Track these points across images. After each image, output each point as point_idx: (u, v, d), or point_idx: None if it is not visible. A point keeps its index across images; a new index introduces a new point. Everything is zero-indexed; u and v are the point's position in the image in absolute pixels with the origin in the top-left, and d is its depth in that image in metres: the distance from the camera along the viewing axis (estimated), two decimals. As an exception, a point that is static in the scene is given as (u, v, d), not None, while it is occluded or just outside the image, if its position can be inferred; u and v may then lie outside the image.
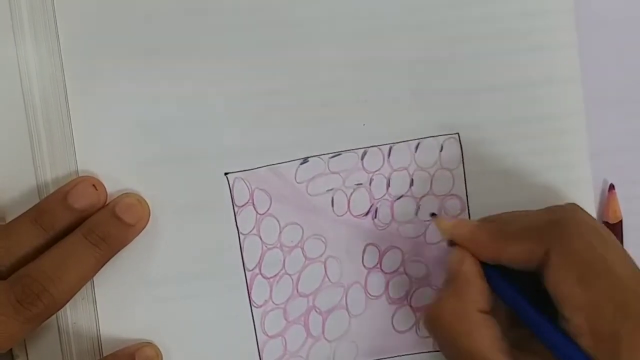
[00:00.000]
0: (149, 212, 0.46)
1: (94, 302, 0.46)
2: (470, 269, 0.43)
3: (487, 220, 0.44)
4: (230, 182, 0.47)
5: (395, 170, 0.48)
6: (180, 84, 0.46)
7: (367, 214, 0.48)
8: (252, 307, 0.48)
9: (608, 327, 0.39)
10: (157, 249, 0.47)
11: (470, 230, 0.44)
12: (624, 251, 0.42)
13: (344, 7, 0.47)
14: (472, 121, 0.48)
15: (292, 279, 0.48)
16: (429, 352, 0.49)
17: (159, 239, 0.47)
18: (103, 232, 0.44)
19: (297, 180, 0.48)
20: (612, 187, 0.50)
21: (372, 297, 0.48)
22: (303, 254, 0.48)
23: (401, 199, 0.48)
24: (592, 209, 0.48)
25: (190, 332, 0.47)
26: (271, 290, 0.48)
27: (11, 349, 0.46)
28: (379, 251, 0.48)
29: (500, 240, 0.42)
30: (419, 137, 0.48)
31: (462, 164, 0.48)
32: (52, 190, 0.45)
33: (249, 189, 0.47)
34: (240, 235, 0.47)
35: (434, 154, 0.48)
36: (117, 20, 0.46)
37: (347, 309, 0.48)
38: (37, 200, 0.45)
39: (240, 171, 0.47)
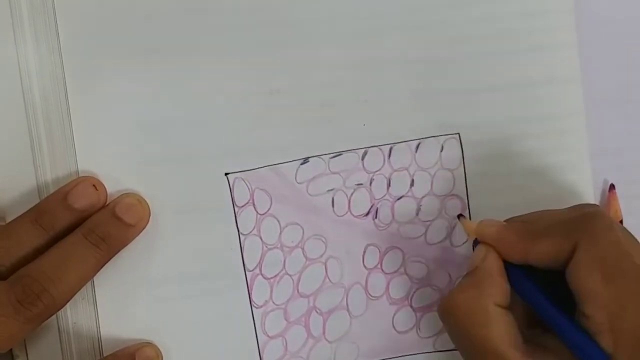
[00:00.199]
0: (149, 212, 0.46)
1: (94, 302, 0.46)
2: (492, 265, 0.43)
3: (513, 221, 0.44)
4: (231, 182, 0.47)
5: (395, 171, 0.48)
6: (181, 83, 0.46)
7: (367, 214, 0.48)
8: (253, 308, 0.48)
9: (630, 325, 0.39)
10: (158, 249, 0.47)
11: (497, 231, 0.43)
12: None
13: (344, 7, 0.47)
14: (473, 121, 0.48)
15: (292, 280, 0.48)
16: (430, 352, 0.49)
17: (159, 239, 0.47)
18: (103, 232, 0.44)
19: (298, 181, 0.48)
20: (612, 187, 0.50)
21: (373, 298, 0.48)
22: (303, 254, 0.48)
23: (402, 199, 0.48)
24: (592, 209, 0.48)
25: (191, 332, 0.47)
26: (272, 291, 0.48)
27: (11, 349, 0.46)
28: (380, 251, 0.48)
29: (527, 240, 0.42)
30: (420, 137, 0.48)
31: (462, 164, 0.48)
32: (52, 191, 0.45)
33: (249, 189, 0.47)
34: (241, 235, 0.47)
35: (434, 154, 0.48)
36: (117, 20, 0.46)
37: (347, 310, 0.48)
38: (37, 201, 0.45)
39: (241, 171, 0.47)
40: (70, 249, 0.44)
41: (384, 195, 0.48)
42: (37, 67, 0.45)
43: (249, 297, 0.47)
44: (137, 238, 0.46)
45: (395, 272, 0.48)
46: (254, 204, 0.47)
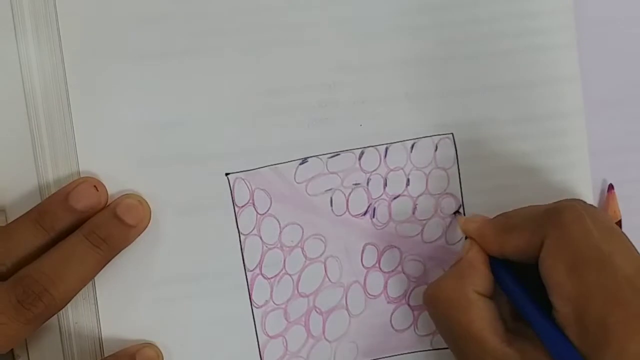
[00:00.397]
0: (150, 213, 0.46)
1: (95, 302, 0.46)
2: (476, 256, 0.44)
3: (499, 215, 0.45)
4: (231, 183, 0.47)
5: (391, 170, 0.48)
6: (181, 84, 0.46)
7: (365, 213, 0.48)
8: (253, 308, 0.48)
9: (595, 317, 0.38)
10: (158, 249, 0.47)
11: (477, 226, 0.44)
12: (631, 247, 0.41)
13: (341, 8, 0.47)
14: (467, 121, 0.48)
15: (292, 279, 0.48)
16: (427, 350, 0.49)
17: (159, 239, 0.47)
18: (104, 232, 0.44)
19: (297, 181, 0.48)
20: (611, 187, 0.50)
21: (371, 297, 0.49)
22: (303, 253, 0.48)
23: (398, 198, 0.48)
24: (591, 209, 0.48)
25: (191, 332, 0.47)
26: (272, 291, 0.48)
27: (12, 350, 0.46)
28: (378, 250, 0.48)
29: (502, 233, 0.43)
30: (415, 137, 0.48)
31: (456, 163, 0.48)
32: (53, 191, 0.45)
33: (249, 189, 0.47)
34: (241, 235, 0.47)
35: (429, 154, 0.48)
36: (118, 20, 0.46)
37: (347, 309, 0.49)
38: (38, 201, 0.45)
39: (241, 171, 0.47)
40: (71, 249, 0.44)
41: (381, 195, 0.48)
42: (38, 68, 0.45)
43: (250, 297, 0.48)
44: (138, 238, 0.46)
45: (393, 270, 0.49)
46: (254, 204, 0.47)
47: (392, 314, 0.49)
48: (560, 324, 0.40)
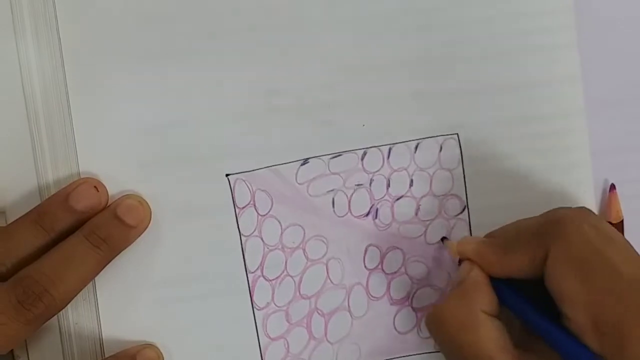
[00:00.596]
0: (150, 214, 0.46)
1: (96, 303, 0.46)
2: (478, 275, 0.43)
3: (491, 235, 0.45)
4: (232, 184, 0.47)
5: (395, 171, 0.48)
6: (182, 85, 0.46)
7: (367, 214, 0.48)
8: (254, 310, 0.48)
9: (610, 321, 0.39)
10: (159, 250, 0.47)
11: (475, 248, 0.44)
12: (630, 248, 0.42)
13: (344, 7, 0.47)
14: (472, 121, 0.48)
15: (294, 281, 0.48)
16: (430, 352, 0.49)
17: (160, 240, 0.47)
18: (104, 233, 0.44)
19: (298, 181, 0.48)
20: (613, 187, 0.50)
21: (374, 299, 0.48)
22: (305, 255, 0.48)
23: (401, 199, 0.48)
24: (593, 209, 0.48)
25: (192, 334, 0.47)
26: (273, 293, 0.48)
27: (12, 350, 0.46)
28: (380, 252, 0.48)
29: (502, 254, 0.43)
30: (419, 137, 0.48)
31: (461, 164, 0.48)
32: (53, 192, 0.45)
33: (250, 190, 0.47)
34: (242, 237, 0.47)
35: (433, 155, 0.48)
36: (118, 21, 0.46)
37: (349, 311, 0.48)
38: (38, 202, 0.45)
39: (242, 172, 0.47)
40: (71, 250, 0.44)
41: (384, 196, 0.48)
42: (38, 68, 0.46)
43: (251, 299, 0.47)
44: (139, 239, 0.46)
45: (396, 272, 0.48)
46: (254, 205, 0.47)
47: (395, 316, 0.49)
48: (575, 333, 0.40)
